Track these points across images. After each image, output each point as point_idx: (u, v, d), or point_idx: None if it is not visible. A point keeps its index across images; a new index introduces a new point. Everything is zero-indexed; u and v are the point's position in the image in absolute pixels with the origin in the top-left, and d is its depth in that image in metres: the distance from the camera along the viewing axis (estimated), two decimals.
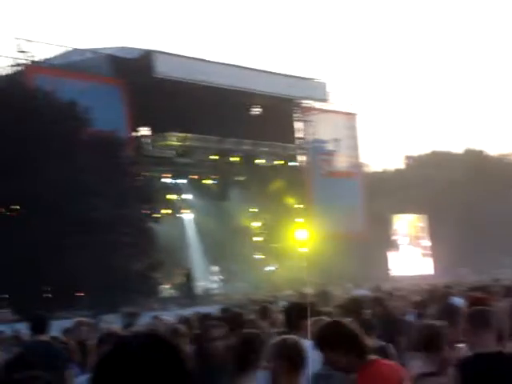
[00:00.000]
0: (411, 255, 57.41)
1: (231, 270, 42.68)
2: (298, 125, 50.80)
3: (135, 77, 38.18)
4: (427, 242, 58.57)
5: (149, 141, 42.43)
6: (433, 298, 12.63)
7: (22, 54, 36.00)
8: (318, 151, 50.46)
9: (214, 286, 42.67)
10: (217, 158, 44.62)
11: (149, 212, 35.38)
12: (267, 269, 46.19)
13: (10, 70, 35.50)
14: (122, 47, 41.11)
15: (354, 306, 8.26)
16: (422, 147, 75.37)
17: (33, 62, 36.55)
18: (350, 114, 53.65)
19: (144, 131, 42.91)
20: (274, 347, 5.05)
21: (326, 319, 5.64)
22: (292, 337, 5.24)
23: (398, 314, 11.22)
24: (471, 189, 57.99)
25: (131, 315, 14.75)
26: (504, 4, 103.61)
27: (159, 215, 38.65)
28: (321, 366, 5.44)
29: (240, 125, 42.84)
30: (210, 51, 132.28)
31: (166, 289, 38.89)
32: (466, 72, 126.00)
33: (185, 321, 10.38)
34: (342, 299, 14.86)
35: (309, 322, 6.22)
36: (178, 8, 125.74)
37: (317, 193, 48.95)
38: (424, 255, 58.34)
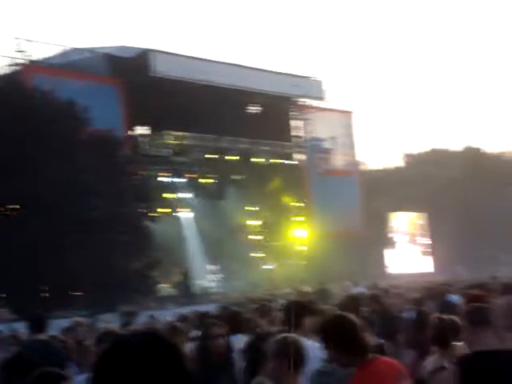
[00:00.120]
0: (410, 253, 57.41)
1: (229, 268, 42.66)
2: (295, 123, 50.81)
3: (133, 76, 38.17)
4: (427, 240, 58.57)
5: (146, 140, 42.40)
6: (430, 295, 12.68)
7: (20, 53, 36.00)
8: (316, 149, 50.48)
9: (212, 284, 42.64)
10: (214, 156, 44.61)
11: (146, 211, 35.36)
12: (265, 267, 46.18)
13: (8, 70, 35.48)
14: (120, 46, 41.07)
15: (351, 304, 8.27)
16: (421, 145, 75.46)
17: (31, 61, 36.53)
18: (346, 112, 53.67)
19: (141, 130, 42.91)
20: (275, 345, 5.05)
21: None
22: (292, 335, 5.26)
23: (395, 311, 11.25)
24: (470, 186, 57.99)
25: (129, 314, 14.78)
26: (501, 0, 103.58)
27: (157, 214, 38.63)
28: (322, 363, 5.46)
29: (237, 123, 42.83)
30: (207, 50, 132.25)
31: (164, 288, 38.86)
32: (464, 69, 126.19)
33: (183, 319, 10.40)
34: (340, 297, 14.89)
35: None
36: (176, 7, 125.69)
37: (314, 191, 48.97)
38: (424, 253, 58.34)
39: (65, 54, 38.80)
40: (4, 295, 30.64)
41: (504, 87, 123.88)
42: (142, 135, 42.67)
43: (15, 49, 35.86)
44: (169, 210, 42.72)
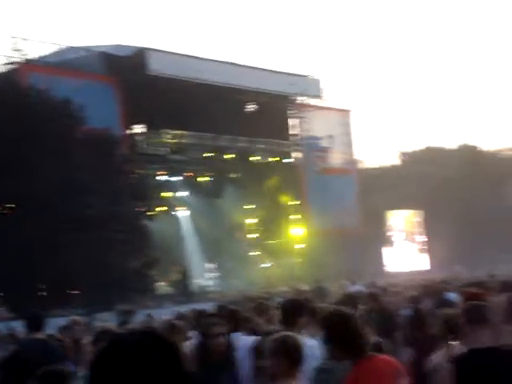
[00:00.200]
0: (407, 251, 57.45)
1: (226, 267, 42.67)
2: (292, 122, 50.81)
3: (129, 74, 38.13)
4: (423, 238, 58.62)
5: (143, 138, 42.37)
6: (428, 293, 12.68)
7: (15, 52, 35.94)
8: (313, 148, 50.48)
9: (210, 283, 42.65)
10: (211, 155, 44.56)
11: (143, 209, 35.36)
12: (262, 266, 46.19)
13: (3, 69, 35.44)
14: (116, 45, 41.03)
15: (349, 302, 8.28)
16: (417, 143, 75.53)
17: (27, 60, 36.46)
18: (343, 110, 53.70)
19: (138, 129, 42.86)
20: (273, 344, 5.05)
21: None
22: (290, 333, 5.25)
23: (393, 309, 11.25)
24: (466, 184, 58.04)
25: (126, 313, 14.75)
26: None
27: (154, 213, 38.61)
28: (322, 360, 5.46)
29: (234, 122, 42.80)
30: (204, 49, 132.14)
31: (162, 286, 38.86)
32: (460, 68, 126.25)
33: (180, 317, 10.39)
34: (338, 295, 14.88)
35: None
36: (172, 5, 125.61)
37: (311, 189, 48.98)
38: (420, 251, 58.40)
39: (60, 52, 38.74)
40: (1, 294, 30.63)
41: (500, 85, 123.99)
42: (138, 134, 42.63)
43: (11, 47, 35.83)
44: (166, 209, 42.72)
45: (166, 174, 43.03)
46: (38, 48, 37.69)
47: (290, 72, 48.93)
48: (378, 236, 52.81)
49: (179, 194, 44.05)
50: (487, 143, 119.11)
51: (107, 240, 29.74)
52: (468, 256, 49.84)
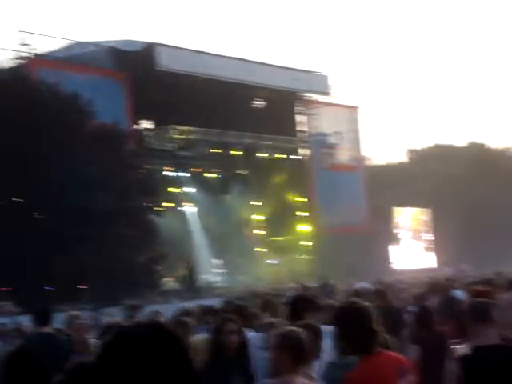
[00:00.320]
0: (413, 249, 57.32)
1: (233, 263, 42.66)
2: (300, 118, 50.73)
3: (138, 69, 38.17)
4: (430, 236, 58.47)
5: (151, 134, 42.39)
6: (434, 290, 12.66)
7: (24, 46, 36.00)
8: (320, 144, 50.39)
9: (217, 278, 42.66)
10: (218, 151, 44.54)
11: (151, 205, 35.37)
12: (269, 262, 46.17)
13: (12, 63, 35.48)
14: (125, 40, 41.06)
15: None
16: (425, 140, 75.31)
17: (36, 54, 36.54)
18: (352, 107, 53.58)
19: (146, 124, 42.91)
20: (277, 338, 5.05)
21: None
22: (294, 328, 5.26)
23: (399, 306, 11.25)
24: (474, 182, 57.88)
25: (133, 308, 14.76)
26: None
27: (161, 208, 38.64)
28: (335, 355, 5.46)
29: (242, 118, 42.80)
30: (213, 44, 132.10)
31: (169, 282, 38.88)
32: (469, 65, 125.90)
33: (186, 313, 10.39)
34: (344, 292, 14.88)
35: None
36: (182, 1, 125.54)
37: (319, 186, 48.91)
38: (427, 249, 58.25)
39: (69, 47, 38.81)
40: (8, 288, 30.69)
41: (509, 82, 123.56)
42: (146, 129, 42.67)
43: (20, 42, 35.88)
44: (173, 204, 42.75)
45: (173, 170, 43.06)
46: (47, 43, 37.91)
47: (298, 68, 48.89)
48: (385, 233, 52.70)
49: (186, 189, 44.07)
50: (496, 141, 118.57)
51: (115, 235, 29.77)
52: (475, 254, 49.70)
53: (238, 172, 46.52)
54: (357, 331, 4.71)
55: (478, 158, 62.73)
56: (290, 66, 48.47)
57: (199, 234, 43.71)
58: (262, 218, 48.61)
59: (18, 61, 35.89)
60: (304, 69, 49.36)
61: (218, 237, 42.26)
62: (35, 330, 8.45)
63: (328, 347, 5.76)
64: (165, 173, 42.49)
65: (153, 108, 38.99)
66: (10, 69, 34.35)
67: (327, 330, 5.82)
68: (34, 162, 28.42)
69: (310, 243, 48.41)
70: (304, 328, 5.26)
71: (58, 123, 29.50)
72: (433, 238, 58.05)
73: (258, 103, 46.93)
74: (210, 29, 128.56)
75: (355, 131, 53.65)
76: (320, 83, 49.10)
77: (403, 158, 72.81)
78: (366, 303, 5.08)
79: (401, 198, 54.67)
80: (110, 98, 35.78)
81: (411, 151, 72.97)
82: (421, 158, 68.29)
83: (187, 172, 43.76)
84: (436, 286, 13.19)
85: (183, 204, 44.23)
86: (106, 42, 40.55)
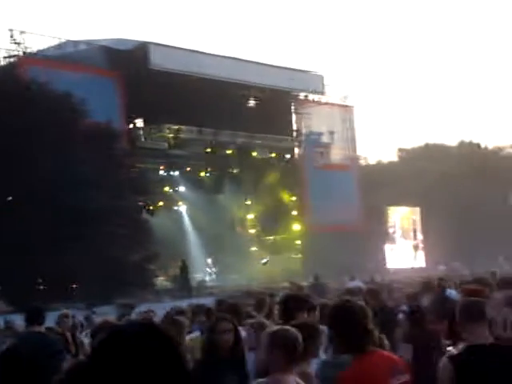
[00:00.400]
0: (404, 248, 57.41)
1: (226, 262, 42.68)
2: (293, 117, 50.74)
3: (130, 68, 38.11)
4: (419, 235, 58.54)
5: (143, 132, 42.34)
6: (427, 289, 12.67)
7: (15, 45, 35.88)
8: (313, 143, 50.42)
9: (209, 278, 42.69)
10: (211, 150, 44.51)
11: (144, 204, 35.35)
12: (262, 261, 46.21)
13: (3, 62, 35.40)
14: (117, 39, 40.98)
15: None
16: (415, 140, 75.36)
17: (26, 53, 36.42)
18: (346, 106, 53.60)
19: (138, 123, 42.84)
20: (270, 337, 5.05)
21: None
22: (288, 327, 5.25)
23: (392, 305, 11.25)
24: (465, 182, 57.96)
25: (126, 307, 14.77)
26: None
27: (154, 207, 38.61)
28: (328, 354, 5.46)
29: (235, 117, 42.76)
30: (206, 43, 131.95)
31: (162, 281, 38.88)
32: (460, 64, 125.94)
33: (179, 312, 10.38)
34: (337, 291, 14.89)
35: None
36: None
37: (312, 185, 48.94)
38: (416, 248, 58.30)
39: (61, 46, 38.68)
40: None
41: (501, 81, 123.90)
42: (139, 128, 42.61)
43: (11, 41, 35.76)
44: (166, 203, 42.73)
45: (166, 169, 43.04)
46: (39, 41, 37.66)
47: (293, 67, 48.90)
48: (378, 232, 52.75)
49: (179, 188, 44.07)
50: (487, 140, 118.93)
51: (107, 234, 29.73)
52: (466, 253, 49.83)
53: (231, 171, 46.52)
54: (350, 330, 4.71)
55: (469, 158, 62.83)
56: (284, 66, 48.49)
57: (192, 233, 43.75)
58: (255, 217, 48.65)
59: (9, 59, 35.79)
60: (299, 68, 49.39)
61: (210, 236, 42.28)
62: (27, 329, 8.42)
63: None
64: (157, 172, 42.46)
65: (146, 107, 38.94)
66: (1, 67, 34.26)
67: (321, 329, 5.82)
68: (26, 161, 28.34)
69: (303, 242, 48.44)
70: (301, 327, 5.26)
71: (50, 122, 29.43)
72: (421, 238, 58.10)
73: (252, 102, 46.90)
74: (203, 28, 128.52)
75: (350, 130, 53.68)
76: (314, 82, 49.12)
77: (394, 157, 72.90)
78: (361, 302, 5.07)
79: (391, 197, 54.73)
80: (102, 97, 35.69)
81: (401, 150, 73.02)
82: (411, 157, 68.32)
83: (180, 171, 43.74)
84: (429, 285, 13.20)
85: (176, 203, 44.23)
86: (98, 40, 40.46)
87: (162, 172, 42.92)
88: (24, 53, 36.25)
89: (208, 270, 43.39)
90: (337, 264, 39.08)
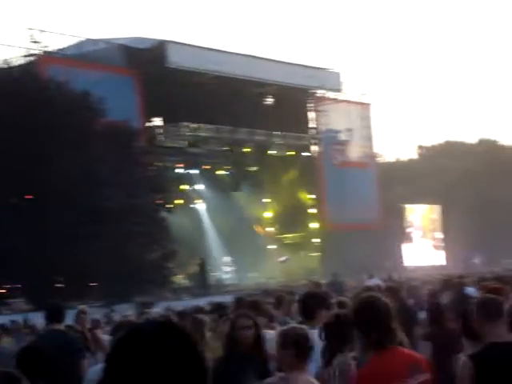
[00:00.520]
0: (424, 246, 57.13)
1: (244, 260, 42.69)
2: (311, 115, 50.65)
3: (148, 67, 38.20)
4: (440, 234, 58.25)
5: (161, 131, 42.42)
6: (446, 287, 12.62)
7: (34, 44, 36.06)
8: (332, 141, 50.28)
9: (227, 276, 42.70)
10: (229, 148, 44.52)
11: (162, 202, 35.42)
12: (280, 259, 46.17)
13: (23, 61, 35.55)
14: (135, 37, 41.10)
15: None
16: (435, 137, 75.05)
17: (46, 52, 36.59)
18: (364, 103, 53.44)
19: (157, 121, 42.94)
20: (281, 336, 5.04)
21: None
22: (299, 326, 5.25)
23: (411, 303, 11.22)
24: (485, 179, 57.71)
25: (144, 305, 14.82)
26: None
27: (172, 205, 38.71)
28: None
29: (253, 115, 42.75)
30: (223, 41, 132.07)
31: (180, 279, 38.94)
32: (480, 61, 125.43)
33: (199, 310, 10.40)
34: (356, 289, 14.84)
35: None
36: None
37: (330, 183, 48.83)
38: (436, 247, 58.02)
39: (80, 44, 38.85)
40: (19, 285, 30.81)
41: None
42: (157, 126, 42.70)
43: (30, 40, 35.93)
44: (184, 202, 42.80)
45: (183, 167, 43.10)
46: (58, 40, 37.80)
47: (310, 65, 48.82)
48: (396, 230, 52.59)
49: (196, 186, 44.13)
50: (507, 137, 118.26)
51: (125, 232, 29.82)
52: (487, 251, 49.62)
53: (248, 169, 46.52)
54: (370, 326, 4.68)
55: (489, 155, 62.55)
56: (301, 63, 48.42)
57: (210, 231, 43.79)
58: (273, 215, 48.63)
59: (28, 58, 35.96)
60: (316, 65, 49.31)
61: (228, 234, 42.31)
62: (47, 327, 8.46)
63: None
64: (175, 170, 42.53)
65: (163, 105, 39.02)
66: (20, 66, 34.41)
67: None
68: (44, 160, 28.48)
69: (321, 240, 48.35)
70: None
71: (68, 121, 29.56)
72: (442, 237, 57.82)
73: (269, 100, 46.87)
74: (221, 26, 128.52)
75: (367, 128, 53.51)
76: (332, 80, 49.00)
77: (413, 154, 72.62)
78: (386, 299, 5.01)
79: (411, 194, 54.57)
80: (120, 96, 35.79)
81: (421, 148, 72.76)
82: (431, 154, 68.11)
83: (198, 169, 43.80)
84: (448, 282, 13.15)
85: (194, 201, 44.30)
86: (117, 39, 40.58)
87: (179, 170, 42.98)
88: (43, 52, 36.43)
89: (226, 268, 43.40)
90: (355, 262, 38.97)
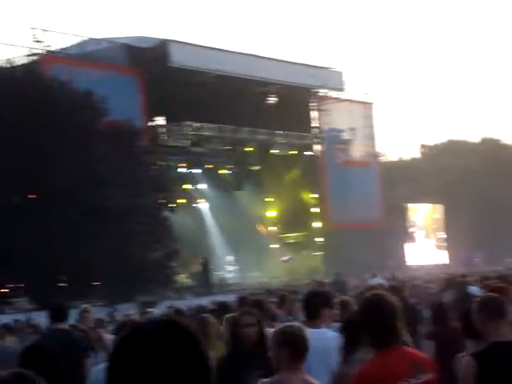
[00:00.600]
0: (426, 245, 57.08)
1: (247, 259, 42.70)
2: (313, 114, 50.62)
3: (151, 66, 38.22)
4: (442, 234, 58.19)
5: (164, 130, 42.42)
6: (449, 286, 12.62)
7: (37, 43, 36.10)
8: (334, 140, 50.25)
9: (230, 275, 42.71)
10: (232, 147, 44.51)
11: (164, 201, 35.41)
12: (282, 258, 46.17)
13: (25, 60, 35.58)
14: (138, 37, 41.12)
15: None
16: (438, 136, 75.04)
17: (48, 51, 36.63)
18: (366, 103, 53.43)
19: (159, 120, 42.94)
20: (277, 335, 5.04)
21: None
22: (295, 324, 5.24)
23: (414, 302, 11.22)
24: (488, 178, 57.67)
25: (147, 304, 14.82)
26: None
27: (175, 204, 38.72)
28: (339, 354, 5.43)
29: (255, 114, 42.74)
30: (226, 40, 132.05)
31: (182, 278, 38.95)
32: (484, 60, 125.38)
33: (202, 310, 10.40)
34: (359, 288, 14.84)
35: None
36: None
37: (332, 182, 48.80)
38: (439, 247, 57.96)
39: (82, 44, 38.88)
40: (22, 285, 30.83)
41: None
42: (159, 125, 42.71)
43: (33, 39, 35.97)
44: (187, 201, 42.80)
45: (186, 166, 43.10)
46: (60, 40, 37.87)
47: (312, 64, 48.81)
48: (399, 229, 52.57)
49: (200, 186, 44.13)
50: (510, 136, 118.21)
51: (128, 231, 29.82)
52: (489, 250, 49.57)
53: (251, 168, 46.51)
54: (373, 324, 4.67)
55: (492, 154, 62.51)
56: (304, 62, 48.40)
57: (212, 230, 43.80)
58: (275, 214, 48.62)
59: (31, 58, 35.99)
60: (318, 65, 49.30)
61: (231, 233, 42.31)
62: (51, 326, 8.46)
63: (334, 344, 5.73)
64: (178, 169, 42.53)
65: (166, 104, 39.04)
66: (23, 66, 34.43)
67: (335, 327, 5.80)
68: (47, 160, 28.49)
69: (324, 240, 48.33)
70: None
71: (71, 120, 29.57)
72: (445, 236, 57.75)
73: (271, 99, 46.85)
74: (223, 25, 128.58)
75: (369, 127, 53.49)
76: (334, 79, 48.99)
77: (416, 153, 72.57)
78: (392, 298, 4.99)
79: (414, 193, 54.54)
80: (123, 95, 35.82)
81: (424, 147, 72.73)
82: (434, 153, 68.10)
83: (200, 168, 43.80)
84: (451, 281, 13.15)
85: (196, 200, 44.30)
86: (119, 38, 40.60)
87: (182, 169, 42.97)
88: (46, 51, 36.45)
89: (229, 267, 43.41)
90: (358, 261, 38.97)
